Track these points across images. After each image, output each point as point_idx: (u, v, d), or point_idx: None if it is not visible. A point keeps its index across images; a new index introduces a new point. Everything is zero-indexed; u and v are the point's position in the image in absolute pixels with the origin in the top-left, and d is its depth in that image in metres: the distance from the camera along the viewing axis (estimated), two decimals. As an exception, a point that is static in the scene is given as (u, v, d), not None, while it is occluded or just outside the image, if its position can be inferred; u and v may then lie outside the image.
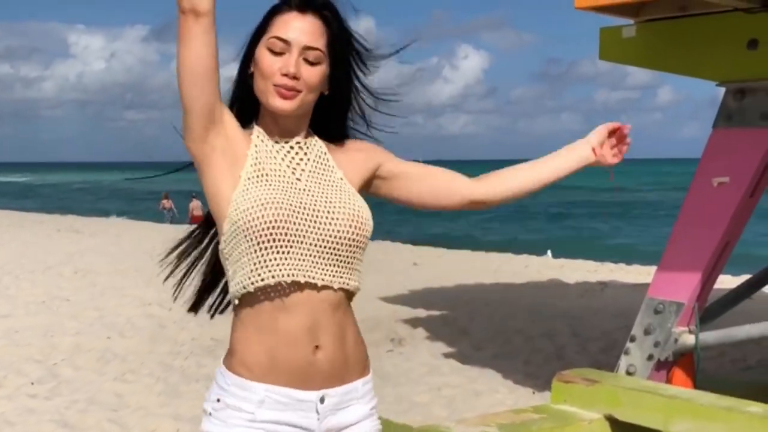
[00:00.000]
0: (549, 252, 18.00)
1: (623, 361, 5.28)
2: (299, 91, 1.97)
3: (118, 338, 8.24)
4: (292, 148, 2.04)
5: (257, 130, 2.04)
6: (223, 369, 2.01)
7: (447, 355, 7.73)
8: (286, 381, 1.95)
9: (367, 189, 2.16)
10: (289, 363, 1.95)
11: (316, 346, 1.97)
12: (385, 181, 2.17)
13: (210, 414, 1.99)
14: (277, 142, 2.03)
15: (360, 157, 2.13)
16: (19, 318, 9.16)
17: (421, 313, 9.66)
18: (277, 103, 1.97)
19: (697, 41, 5.17)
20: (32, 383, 6.63)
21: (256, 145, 2.01)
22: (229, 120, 2.01)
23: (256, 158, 1.99)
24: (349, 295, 2.05)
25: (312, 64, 1.98)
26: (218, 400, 1.98)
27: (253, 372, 1.95)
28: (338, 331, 2.01)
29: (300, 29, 1.97)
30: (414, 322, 9.04)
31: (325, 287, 1.97)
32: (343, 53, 2.05)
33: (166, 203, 29.37)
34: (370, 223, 2.03)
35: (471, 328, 8.86)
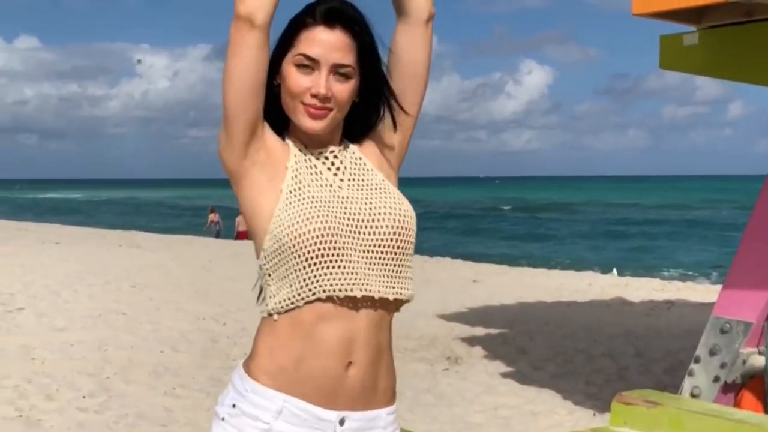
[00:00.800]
0: (614, 270, 17.60)
1: (687, 383, 5.00)
2: (330, 110, 1.87)
3: (170, 352, 8.19)
4: (327, 158, 1.94)
5: (293, 141, 1.95)
6: (242, 373, 1.88)
7: (504, 375, 7.49)
8: (308, 394, 1.83)
9: (400, 157, 2.06)
10: (316, 374, 1.82)
11: (350, 362, 1.84)
12: (387, 136, 2.04)
13: (223, 419, 1.88)
14: (313, 153, 1.94)
15: (374, 146, 2.03)
16: (75, 331, 9.17)
17: (479, 331, 9.43)
18: (308, 123, 1.88)
19: (764, 48, 4.87)
20: (84, 396, 6.58)
21: (294, 156, 1.92)
22: (269, 133, 1.92)
23: (296, 170, 1.90)
24: (398, 307, 1.92)
25: (342, 80, 1.88)
26: (234, 406, 1.87)
27: (275, 380, 1.83)
28: (375, 351, 1.88)
29: (329, 46, 1.86)
30: (471, 341, 8.80)
31: (377, 299, 1.85)
32: (373, 64, 1.95)
33: (213, 217, 29.77)
34: (415, 227, 1.92)
35: (530, 347, 8.60)
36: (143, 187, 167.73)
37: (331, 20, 1.87)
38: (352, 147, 1.99)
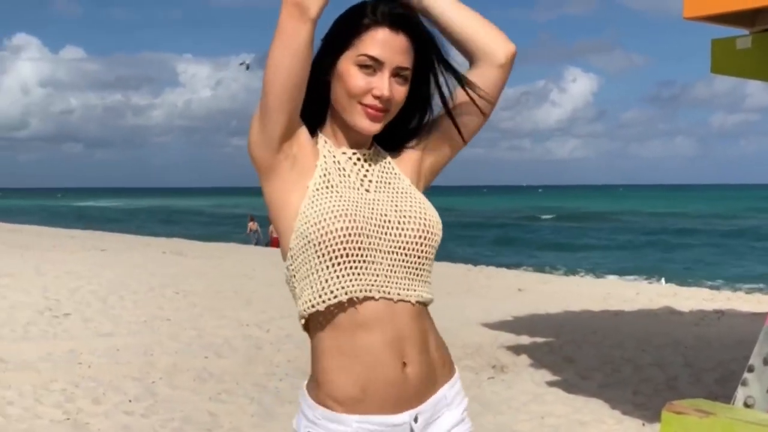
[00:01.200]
0: (662, 279, 17.37)
1: (740, 393, 4.85)
2: (387, 111, 1.88)
3: (215, 358, 8.19)
4: (359, 159, 1.94)
5: (323, 139, 1.94)
6: (309, 401, 1.88)
7: (551, 384, 7.37)
8: (378, 408, 1.84)
9: (434, 175, 2.07)
10: (380, 389, 1.84)
11: (404, 363, 1.85)
12: (432, 153, 2.04)
13: None
14: (344, 153, 1.93)
15: (414, 156, 2.02)
16: (121, 337, 9.23)
17: (525, 339, 9.31)
18: (365, 124, 1.87)
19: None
20: (130, 400, 6.60)
21: (324, 156, 1.91)
22: (303, 130, 1.91)
23: (325, 169, 1.89)
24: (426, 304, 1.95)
25: (401, 82, 1.88)
26: None
27: (344, 405, 1.84)
28: (420, 340, 1.89)
29: (393, 48, 1.86)
30: (517, 349, 8.70)
31: (401, 301, 1.86)
32: (429, 69, 1.95)
33: (252, 226, 30.35)
34: (440, 232, 1.93)
35: (577, 356, 8.47)
36: (186, 195, 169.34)
37: (397, 24, 1.87)
38: (383, 151, 2.00)
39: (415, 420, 1.87)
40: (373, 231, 1.84)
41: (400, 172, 1.99)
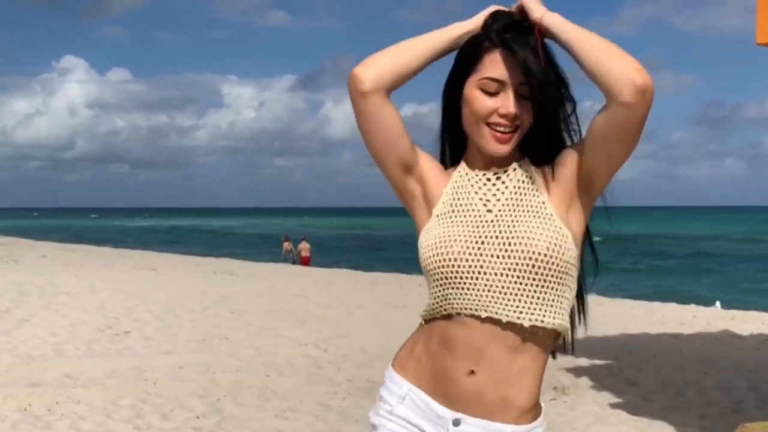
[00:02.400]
0: (717, 303, 17.11)
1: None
2: (515, 131, 1.91)
3: (276, 376, 8.26)
4: (492, 178, 1.98)
5: (462, 166, 2.03)
6: (389, 365, 2.10)
7: (614, 406, 7.32)
8: (429, 389, 1.97)
9: (590, 194, 1.96)
10: (439, 372, 1.95)
11: (472, 371, 1.91)
12: (586, 175, 1.93)
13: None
14: (476, 174, 2.00)
15: (568, 169, 1.95)
16: (183, 355, 9.34)
17: (584, 362, 9.25)
18: (493, 147, 1.93)
19: None
20: (197, 417, 6.68)
21: (455, 181, 2.00)
22: (426, 164, 2.03)
23: (451, 195, 1.99)
24: (549, 335, 1.91)
25: (524, 100, 1.90)
26: (380, 395, 2.07)
27: (407, 370, 2.02)
28: (505, 369, 1.90)
29: (513, 66, 1.88)
30: (577, 371, 8.65)
31: (510, 323, 1.87)
32: (552, 84, 1.92)
33: (287, 245, 31.11)
34: (555, 253, 1.86)
35: (638, 378, 8.40)
36: (231, 215, 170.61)
37: (513, 42, 1.89)
38: (532, 166, 1.98)
39: (456, 423, 1.93)
40: (476, 254, 1.89)
41: (540, 186, 1.95)
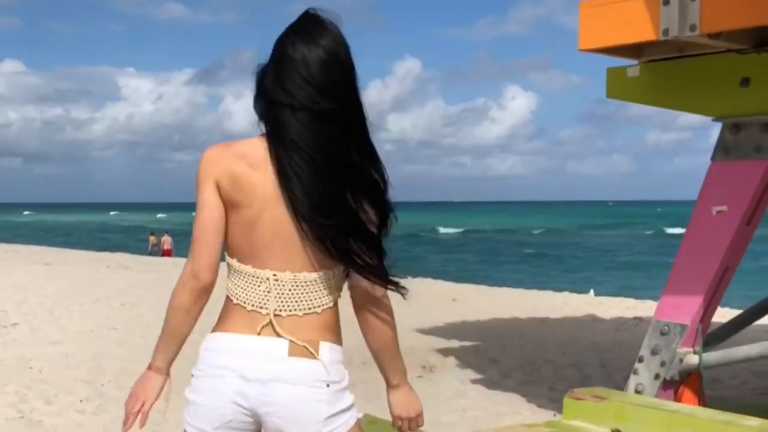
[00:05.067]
0: (591, 290, 18.10)
1: (632, 381, 5.52)
2: None
3: (161, 363, 8.61)
4: None
5: None
6: None
7: (474, 381, 8.00)
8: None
9: None
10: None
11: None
12: None
13: None
14: None
15: None
16: (70, 344, 9.61)
17: (454, 344, 9.93)
18: None
19: (695, 80, 5.47)
20: (81, 401, 7.03)
21: None
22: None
23: None
24: None
25: None
26: None
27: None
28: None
29: None
30: (446, 352, 9.31)
31: None
32: None
33: (153, 239, 32.93)
34: None
35: (501, 357, 9.11)
36: (128, 209, 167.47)
37: None
38: None
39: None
40: None
41: None
